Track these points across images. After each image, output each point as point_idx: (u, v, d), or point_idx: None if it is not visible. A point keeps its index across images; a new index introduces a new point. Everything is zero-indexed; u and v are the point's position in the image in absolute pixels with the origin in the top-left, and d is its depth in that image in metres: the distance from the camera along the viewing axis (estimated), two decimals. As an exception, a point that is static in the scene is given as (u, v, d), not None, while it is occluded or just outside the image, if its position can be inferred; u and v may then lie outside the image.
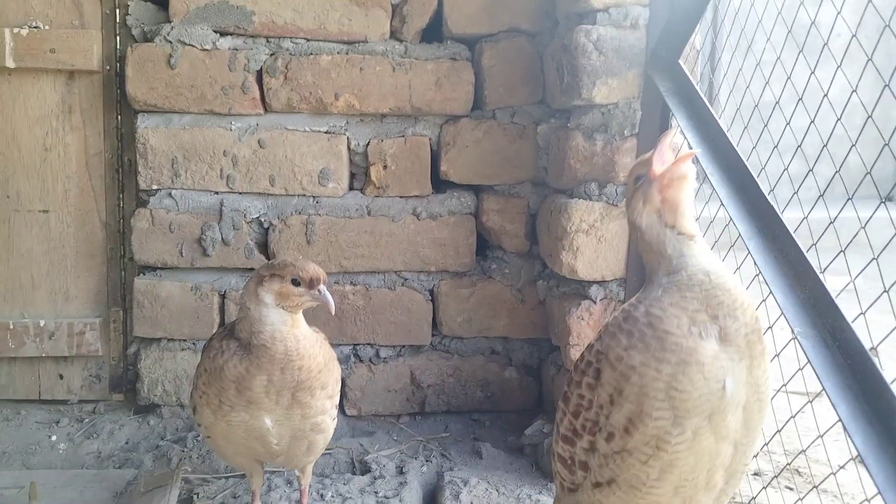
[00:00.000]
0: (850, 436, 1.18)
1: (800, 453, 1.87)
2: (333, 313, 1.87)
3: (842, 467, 1.60)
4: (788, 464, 2.19)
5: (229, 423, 1.82)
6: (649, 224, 1.34)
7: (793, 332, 1.35)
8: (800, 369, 1.40)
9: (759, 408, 1.30)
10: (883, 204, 1.31)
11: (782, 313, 1.38)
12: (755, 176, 1.72)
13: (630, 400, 1.26)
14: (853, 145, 1.50)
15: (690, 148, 2.00)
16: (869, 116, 1.44)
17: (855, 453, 1.19)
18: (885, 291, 1.30)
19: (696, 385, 1.22)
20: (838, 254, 1.43)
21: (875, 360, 1.20)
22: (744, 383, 1.26)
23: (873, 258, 1.37)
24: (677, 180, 1.32)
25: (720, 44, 2.34)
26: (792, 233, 1.47)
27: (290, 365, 1.78)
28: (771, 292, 1.41)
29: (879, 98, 1.40)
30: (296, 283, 1.79)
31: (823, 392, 1.26)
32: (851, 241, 1.41)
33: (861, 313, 1.32)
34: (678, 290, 1.26)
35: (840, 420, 1.21)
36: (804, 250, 1.45)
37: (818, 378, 1.27)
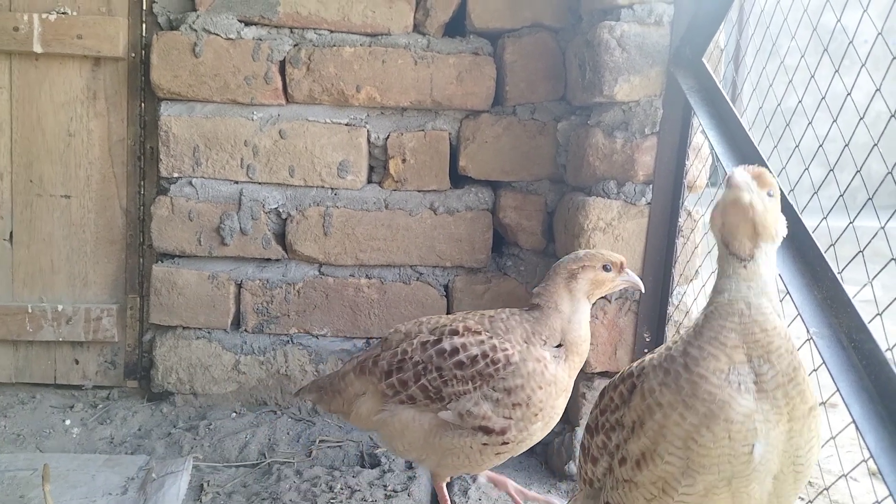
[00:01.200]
0: (862, 436, 1.15)
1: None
2: (644, 290, 1.96)
3: (847, 474, 1.57)
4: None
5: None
6: (717, 242, 1.25)
7: (808, 332, 1.32)
8: (814, 370, 1.37)
9: (795, 479, 1.20)
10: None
11: (798, 313, 1.35)
12: (775, 175, 1.69)
13: (648, 435, 1.22)
14: (872, 148, 1.46)
15: (712, 148, 1.98)
16: (890, 118, 1.41)
17: (867, 455, 1.16)
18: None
19: (719, 443, 1.14)
20: (855, 255, 1.39)
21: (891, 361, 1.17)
22: (779, 451, 1.16)
23: (890, 260, 1.32)
24: (731, 205, 1.20)
25: (744, 44, 2.31)
26: (811, 233, 1.45)
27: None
28: (788, 292, 1.38)
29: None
30: (607, 268, 1.86)
31: (838, 394, 1.23)
32: (867, 244, 1.38)
33: (878, 314, 1.29)
34: (718, 318, 1.18)
35: (853, 421, 1.18)
36: (822, 251, 1.43)
37: (832, 378, 1.25)
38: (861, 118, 1.48)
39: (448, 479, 2.04)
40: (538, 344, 1.82)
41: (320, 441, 2.52)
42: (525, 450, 1.91)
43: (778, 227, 1.21)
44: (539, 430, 1.83)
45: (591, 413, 1.47)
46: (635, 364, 1.37)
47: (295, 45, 2.61)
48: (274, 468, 2.33)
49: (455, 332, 1.85)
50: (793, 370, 1.17)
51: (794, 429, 1.17)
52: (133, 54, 2.68)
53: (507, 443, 1.80)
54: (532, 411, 1.78)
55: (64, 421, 2.61)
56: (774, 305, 1.19)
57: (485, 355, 1.79)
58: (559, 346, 1.84)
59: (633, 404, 1.27)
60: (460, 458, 1.85)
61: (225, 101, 2.62)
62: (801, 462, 1.19)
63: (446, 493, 2.03)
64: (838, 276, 1.36)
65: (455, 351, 1.82)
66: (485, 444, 1.80)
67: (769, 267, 1.20)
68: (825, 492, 1.76)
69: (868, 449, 1.14)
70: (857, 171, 1.49)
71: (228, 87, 2.59)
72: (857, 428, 1.18)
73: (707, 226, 1.35)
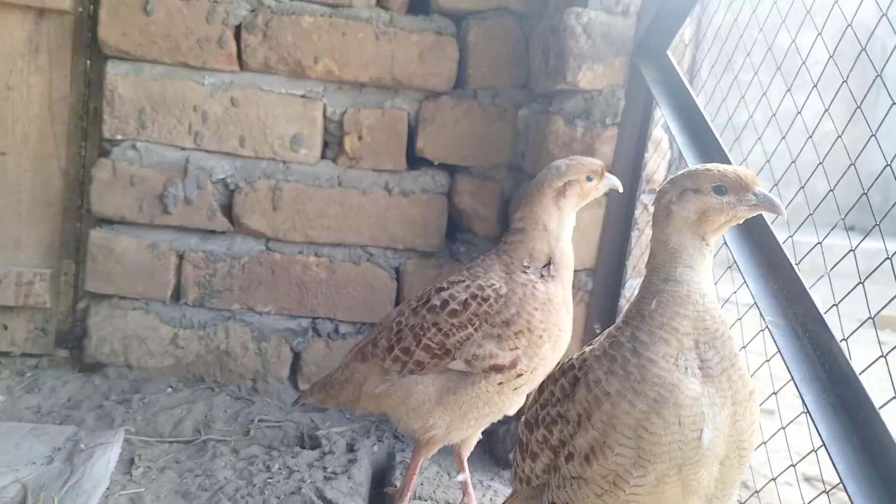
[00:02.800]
0: (815, 424, 1.15)
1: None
2: (622, 190, 1.94)
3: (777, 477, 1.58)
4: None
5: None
6: (683, 225, 1.23)
7: (764, 320, 1.31)
8: (768, 360, 1.37)
9: (739, 464, 1.21)
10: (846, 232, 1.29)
11: (755, 302, 1.35)
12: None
13: (596, 427, 1.19)
14: (817, 167, 1.47)
15: (673, 139, 1.98)
16: (837, 139, 1.43)
17: (819, 443, 1.16)
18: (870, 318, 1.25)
19: (670, 429, 1.14)
20: (822, 277, 1.39)
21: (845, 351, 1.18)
22: (724, 435, 1.17)
23: (858, 283, 1.32)
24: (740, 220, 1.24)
25: (700, 57, 2.33)
26: (770, 224, 1.45)
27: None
28: (745, 281, 1.38)
29: (846, 127, 1.39)
30: (590, 179, 1.86)
31: (783, 391, 1.23)
32: (802, 258, 1.38)
33: (834, 304, 1.29)
34: (674, 304, 1.19)
35: (806, 409, 1.18)
36: (780, 242, 1.43)
37: (786, 367, 1.25)
38: (809, 136, 1.50)
39: (433, 452, 1.99)
40: (519, 270, 1.82)
41: (259, 420, 2.45)
42: (541, 379, 1.87)
43: None
44: (549, 353, 1.81)
45: (528, 408, 1.44)
46: (575, 356, 1.34)
47: (252, 11, 2.52)
48: (209, 445, 2.26)
49: (440, 289, 1.86)
50: (734, 355, 1.19)
51: (738, 412, 1.18)
52: (80, 9, 2.55)
53: (521, 374, 1.79)
54: (536, 335, 1.77)
55: (-13, 388, 2.48)
56: (715, 290, 1.24)
57: (473, 296, 1.79)
58: (547, 264, 1.83)
59: (577, 396, 1.24)
60: (481, 408, 1.82)
61: (175, 63, 2.52)
62: (744, 446, 1.20)
63: (418, 467, 1.99)
64: (795, 267, 1.36)
65: (445, 303, 1.81)
66: (500, 384, 1.79)
67: None
68: (756, 495, 1.77)
69: (820, 437, 1.14)
70: (801, 188, 1.52)
71: (180, 48, 2.49)
72: (808, 416, 1.19)
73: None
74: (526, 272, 1.81)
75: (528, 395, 2.29)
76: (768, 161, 1.69)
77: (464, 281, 1.83)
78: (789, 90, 1.61)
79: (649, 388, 1.15)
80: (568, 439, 1.25)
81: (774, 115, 1.67)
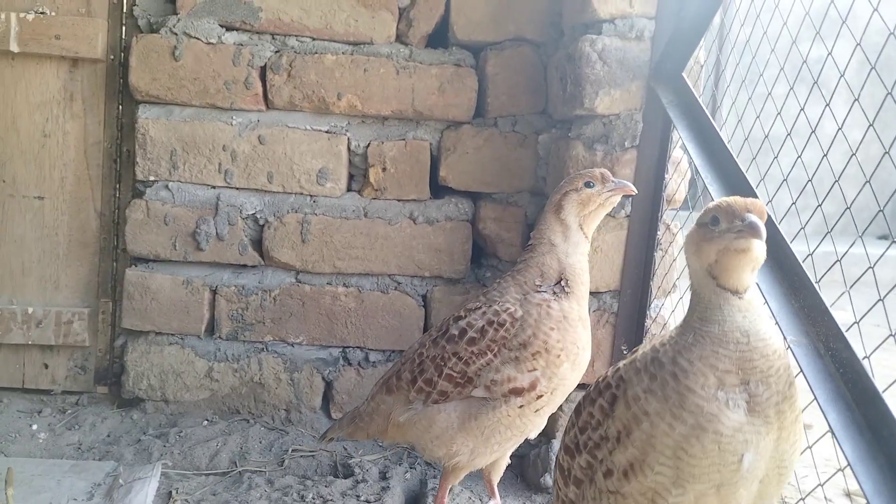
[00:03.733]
0: (839, 444, 1.15)
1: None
2: (636, 192, 1.93)
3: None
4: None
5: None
6: (695, 267, 1.24)
7: (785, 340, 1.32)
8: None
9: (779, 480, 1.21)
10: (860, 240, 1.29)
11: (776, 321, 1.35)
12: (755, 188, 1.71)
13: (636, 445, 1.19)
14: (834, 183, 1.48)
15: (692, 161, 2.00)
16: (853, 155, 1.44)
17: (844, 463, 1.16)
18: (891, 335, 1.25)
19: (709, 454, 1.13)
20: (843, 293, 1.39)
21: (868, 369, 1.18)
22: (767, 458, 1.16)
23: (878, 300, 1.32)
24: (743, 252, 1.17)
25: (726, 72, 2.34)
26: (788, 243, 1.46)
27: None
28: (766, 301, 1.39)
29: (863, 138, 1.40)
30: (589, 185, 1.84)
31: (815, 401, 1.23)
32: (827, 270, 1.39)
33: (855, 322, 1.30)
34: (710, 344, 1.15)
35: (830, 429, 1.18)
36: (801, 261, 1.44)
37: (809, 386, 1.25)
38: (825, 154, 1.51)
39: (460, 479, 1.99)
40: (532, 290, 1.82)
41: (293, 450, 2.49)
42: (563, 399, 1.88)
43: None
44: (568, 372, 1.79)
45: (566, 431, 1.43)
46: (609, 373, 1.33)
47: (276, 52, 2.60)
48: (245, 477, 2.29)
49: (458, 318, 1.87)
50: (788, 386, 1.16)
51: (783, 436, 1.16)
52: (112, 56, 2.65)
53: (542, 395, 1.78)
54: (554, 354, 1.76)
55: (31, 426, 2.55)
56: (770, 325, 1.17)
57: (490, 322, 1.79)
58: (559, 281, 1.83)
59: (616, 413, 1.24)
60: (503, 432, 1.82)
61: (204, 105, 2.60)
62: (785, 465, 1.19)
63: (447, 494, 1.99)
64: (816, 286, 1.37)
65: (463, 332, 1.82)
66: (521, 407, 1.78)
67: (757, 290, 1.20)
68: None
69: (845, 457, 1.15)
70: (819, 206, 1.52)
71: (208, 91, 2.58)
72: (833, 435, 1.19)
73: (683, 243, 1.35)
74: (539, 291, 1.81)
75: (556, 418, 2.31)
76: (786, 179, 1.70)
77: (480, 307, 1.85)
78: (828, 104, 1.59)
79: (688, 415, 1.13)
80: (607, 455, 1.25)
81: (789, 133, 1.67)
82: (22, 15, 2.55)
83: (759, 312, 1.18)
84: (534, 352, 1.75)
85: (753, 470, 1.15)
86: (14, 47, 2.56)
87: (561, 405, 2.30)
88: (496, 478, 2.03)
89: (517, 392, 1.76)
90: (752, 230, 1.14)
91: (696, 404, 1.13)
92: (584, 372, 1.87)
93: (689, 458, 1.13)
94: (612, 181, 1.86)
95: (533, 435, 1.94)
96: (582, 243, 1.88)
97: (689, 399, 1.14)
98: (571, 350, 1.78)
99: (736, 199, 1.20)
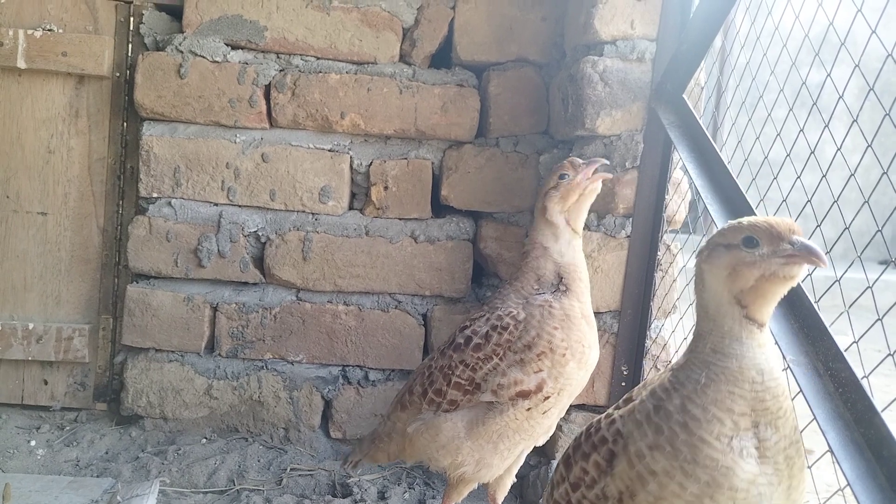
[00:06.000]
0: (838, 463, 1.15)
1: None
2: (612, 175, 1.95)
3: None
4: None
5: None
6: (719, 291, 1.13)
7: (785, 359, 1.32)
8: (792, 398, 1.36)
9: None
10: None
11: (775, 341, 1.35)
12: (754, 209, 1.71)
13: None
14: (832, 205, 1.48)
15: (692, 182, 2.00)
16: (851, 175, 1.45)
17: (844, 483, 1.15)
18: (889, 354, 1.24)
19: None
20: (840, 314, 1.39)
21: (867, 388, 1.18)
22: None
23: (876, 320, 1.31)
24: (789, 279, 1.09)
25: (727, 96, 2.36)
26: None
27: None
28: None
29: (860, 161, 1.40)
30: (563, 177, 1.86)
31: (814, 421, 1.23)
32: (855, 300, 1.38)
33: (854, 342, 1.30)
34: (726, 383, 1.07)
35: (829, 448, 1.18)
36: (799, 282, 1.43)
37: (809, 406, 1.25)
38: (823, 174, 1.51)
39: (464, 495, 1.96)
40: (532, 293, 1.82)
41: (291, 469, 2.47)
42: (571, 400, 1.86)
43: None
44: (575, 371, 1.77)
45: (555, 486, 1.32)
46: (603, 424, 1.22)
47: (281, 71, 2.63)
48: (243, 495, 2.28)
49: (463, 327, 1.88)
50: (793, 430, 1.10)
51: (793, 485, 1.09)
52: (118, 73, 2.68)
53: (549, 397, 1.76)
54: (559, 353, 1.74)
55: (29, 442, 2.54)
56: (779, 364, 1.11)
57: (494, 327, 1.79)
58: (558, 282, 1.83)
59: (617, 471, 1.14)
60: (511, 436, 1.80)
61: (208, 122, 2.62)
62: None
63: None
64: (815, 306, 1.37)
65: (468, 339, 1.82)
66: (529, 409, 1.76)
67: None
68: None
69: (844, 476, 1.14)
70: (818, 227, 1.53)
71: (212, 109, 2.59)
72: (832, 455, 1.18)
73: (685, 257, 1.34)
74: (539, 294, 1.82)
75: (555, 439, 2.29)
76: (785, 200, 1.70)
77: (483, 315, 1.85)
78: (827, 126, 1.60)
79: (702, 470, 1.04)
80: None
81: (788, 154, 1.68)
82: (30, 32, 2.58)
83: (772, 350, 1.12)
84: (539, 352, 1.73)
85: None
86: (21, 64, 2.58)
87: (560, 425, 2.29)
88: (501, 496, 2.02)
89: (524, 395, 1.74)
90: (807, 254, 1.05)
91: (711, 457, 1.04)
92: (591, 371, 1.84)
93: None
94: (582, 162, 1.86)
95: (542, 441, 1.92)
96: (574, 239, 1.88)
97: (703, 452, 1.05)
98: (577, 349, 1.76)
99: (777, 220, 1.10)
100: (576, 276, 1.84)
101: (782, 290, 1.10)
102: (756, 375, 1.07)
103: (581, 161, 1.88)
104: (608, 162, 1.91)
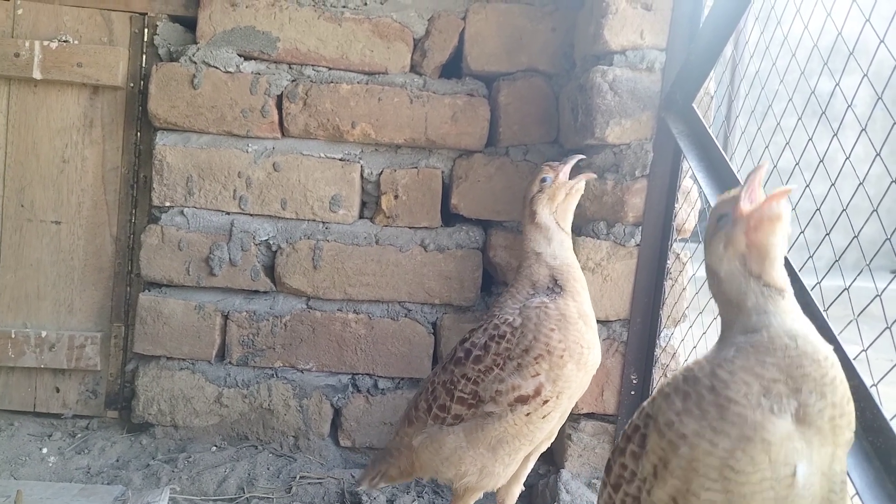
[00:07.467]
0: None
1: None
2: (594, 176, 1.98)
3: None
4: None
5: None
6: (730, 271, 1.14)
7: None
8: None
9: None
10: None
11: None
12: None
13: (676, 475, 1.07)
14: (841, 213, 1.48)
15: (702, 191, 2.00)
16: (860, 184, 1.45)
17: (853, 492, 1.15)
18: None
19: (759, 466, 1.01)
20: (850, 322, 1.39)
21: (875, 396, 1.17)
22: (822, 474, 1.04)
23: (885, 328, 1.30)
24: (769, 221, 1.10)
25: (737, 104, 2.36)
26: (797, 270, 1.46)
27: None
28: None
29: (869, 169, 1.40)
30: (545, 181, 1.88)
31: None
32: (864, 308, 1.38)
33: (863, 350, 1.29)
34: (755, 353, 1.05)
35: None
36: (808, 288, 1.44)
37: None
38: (833, 182, 1.51)
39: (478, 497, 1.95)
40: (528, 298, 1.82)
41: (301, 477, 2.48)
42: (572, 405, 1.84)
43: None
44: (574, 373, 1.74)
45: (598, 496, 1.30)
46: (634, 417, 1.23)
47: (293, 81, 2.65)
48: (252, 503, 2.28)
49: (463, 340, 1.88)
50: (846, 401, 1.06)
51: (837, 455, 1.05)
52: (132, 84, 2.71)
53: (548, 400, 1.73)
54: (556, 355, 1.71)
55: (41, 449, 2.55)
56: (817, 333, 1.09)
57: (491, 337, 1.78)
58: (553, 283, 1.83)
59: (650, 447, 1.13)
60: (511, 441, 1.78)
61: (221, 132, 2.64)
62: (843, 489, 1.07)
63: None
64: (824, 314, 1.37)
65: (468, 352, 1.82)
66: (528, 414, 1.74)
67: None
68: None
69: (853, 485, 1.13)
70: (827, 235, 1.52)
71: (225, 119, 2.62)
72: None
73: (695, 266, 1.34)
74: (534, 297, 1.81)
75: (564, 447, 2.29)
76: (794, 208, 1.70)
77: (481, 325, 1.85)
78: (836, 135, 1.60)
79: (730, 426, 1.03)
80: (646, 498, 1.13)
81: (798, 163, 1.68)
82: (45, 43, 2.61)
83: (803, 315, 1.10)
84: (536, 355, 1.72)
85: (810, 486, 1.02)
86: (37, 74, 2.62)
87: (570, 434, 2.29)
88: None
89: (522, 400, 1.72)
90: (771, 196, 1.09)
91: (739, 413, 1.03)
92: (592, 373, 1.83)
93: (738, 475, 1.02)
94: (558, 162, 1.89)
95: (544, 446, 1.92)
96: (565, 240, 1.89)
97: (731, 409, 1.03)
98: (575, 349, 1.73)
99: (732, 190, 1.16)
100: (570, 276, 1.83)
101: (777, 231, 1.10)
102: (789, 342, 1.05)
103: (556, 162, 1.90)
104: (584, 156, 1.94)
